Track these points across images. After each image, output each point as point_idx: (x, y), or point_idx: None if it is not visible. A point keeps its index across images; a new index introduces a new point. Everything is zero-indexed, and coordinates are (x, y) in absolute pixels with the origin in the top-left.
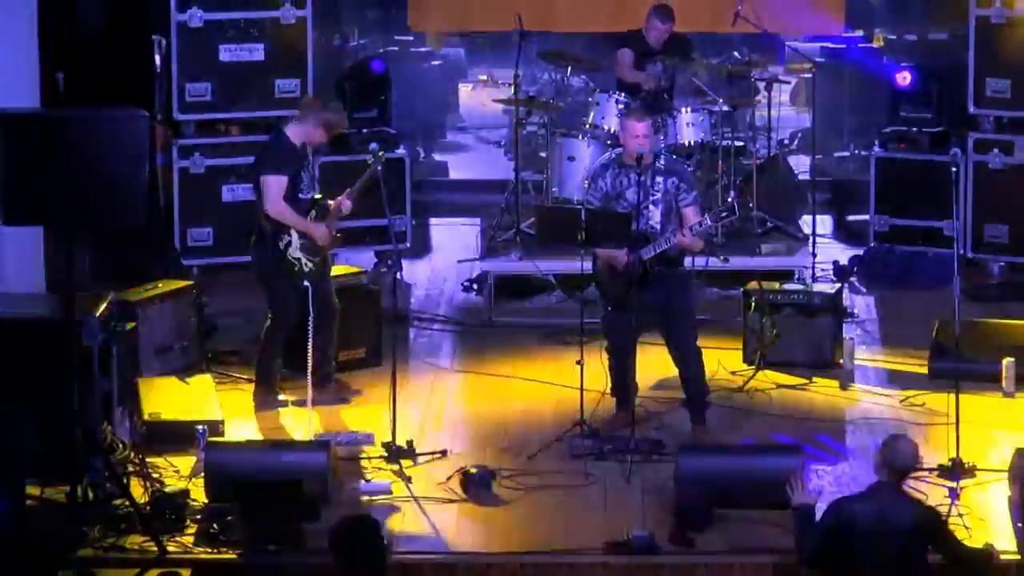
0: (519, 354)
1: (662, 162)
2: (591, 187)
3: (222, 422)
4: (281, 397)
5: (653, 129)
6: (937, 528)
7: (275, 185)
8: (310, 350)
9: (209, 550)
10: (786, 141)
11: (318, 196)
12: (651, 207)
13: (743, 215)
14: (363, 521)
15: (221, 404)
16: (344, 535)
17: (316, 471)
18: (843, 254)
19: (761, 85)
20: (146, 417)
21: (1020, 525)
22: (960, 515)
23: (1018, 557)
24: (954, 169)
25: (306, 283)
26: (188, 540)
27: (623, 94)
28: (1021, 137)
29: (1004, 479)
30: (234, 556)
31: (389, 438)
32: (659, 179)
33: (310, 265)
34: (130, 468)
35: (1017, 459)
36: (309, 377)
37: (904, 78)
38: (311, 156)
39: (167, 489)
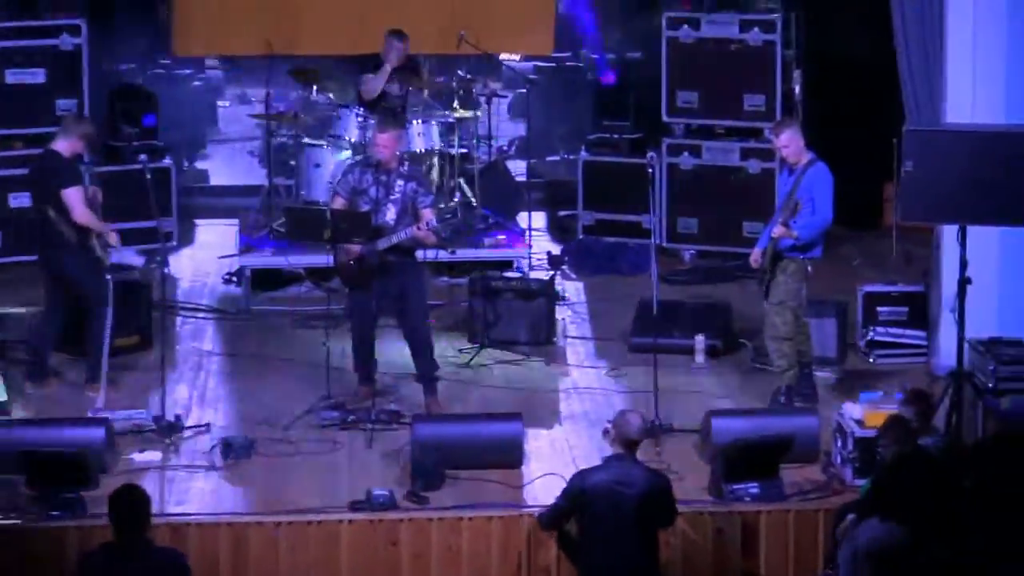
0: (274, 338)
1: (405, 168)
2: (342, 180)
3: (7, 401)
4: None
5: (396, 141)
6: (666, 492)
7: (77, 196)
8: (107, 338)
9: None
10: (505, 148)
11: None
12: (389, 205)
13: (468, 213)
14: (135, 488)
15: (8, 387)
16: (119, 501)
17: (95, 444)
18: (556, 246)
19: (482, 99)
20: None
21: (711, 467)
22: (667, 465)
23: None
24: (650, 170)
25: (108, 276)
26: None
27: (362, 108)
28: (707, 141)
29: (696, 436)
30: (19, 522)
31: (160, 414)
32: (400, 182)
33: (108, 261)
34: None
35: (706, 419)
36: (105, 362)
37: (608, 78)
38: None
39: None
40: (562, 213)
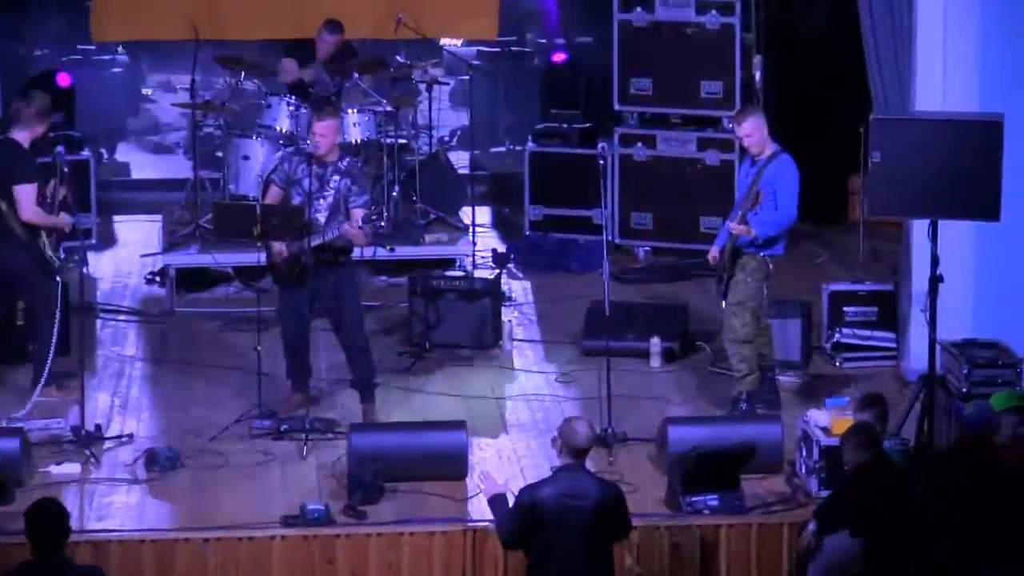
0: (201, 342)
1: (344, 163)
2: (278, 168)
3: None
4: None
5: (335, 130)
6: (619, 502)
7: (29, 193)
8: (53, 343)
9: None
10: (446, 138)
11: None
12: (322, 200)
13: (408, 208)
14: (52, 503)
15: None
16: (35, 516)
17: (9, 457)
18: (501, 243)
19: (422, 86)
20: None
21: (668, 478)
22: (621, 476)
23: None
24: (601, 162)
25: (58, 278)
26: None
27: (293, 97)
28: (662, 131)
29: (652, 445)
30: None
31: (79, 423)
32: (336, 177)
33: (58, 261)
34: None
35: (662, 427)
36: (47, 369)
37: (560, 57)
38: None
39: None
40: (507, 208)
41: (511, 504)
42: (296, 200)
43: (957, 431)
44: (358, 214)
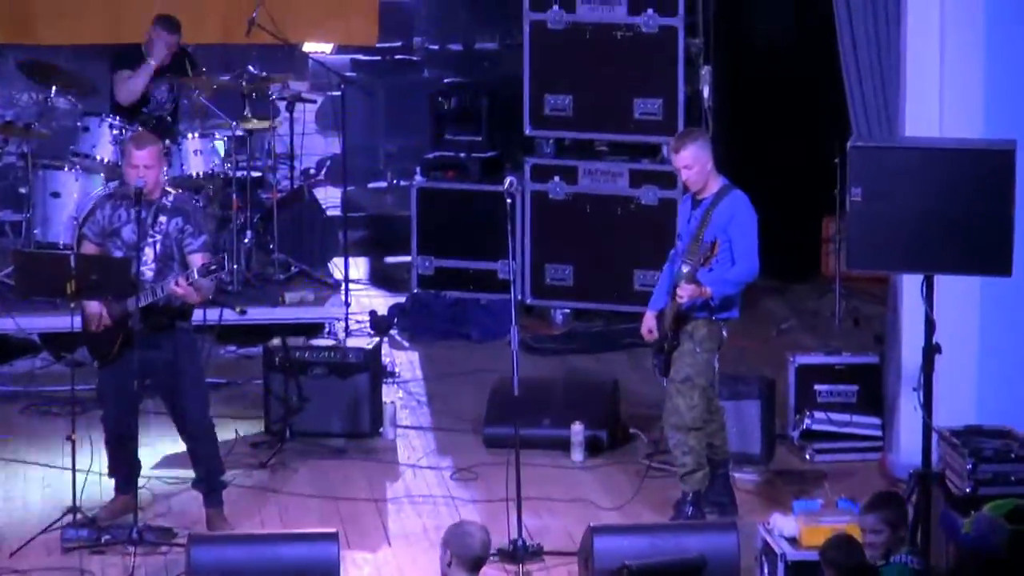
0: None
1: (170, 199)
2: (89, 219)
3: None
4: None
5: (159, 159)
6: None
7: None
8: None
9: None
10: (312, 171)
11: None
12: (148, 249)
13: (263, 259)
14: None
15: None
16: None
17: None
18: (382, 302)
19: (282, 105)
20: None
21: None
22: None
23: None
24: (509, 200)
25: None
26: None
27: (118, 118)
28: (585, 162)
29: (573, 561)
30: None
31: None
32: (162, 219)
33: None
34: None
35: (586, 537)
36: None
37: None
38: None
39: None
40: (390, 259)
41: None
42: (117, 255)
43: (954, 552)
44: (197, 260)
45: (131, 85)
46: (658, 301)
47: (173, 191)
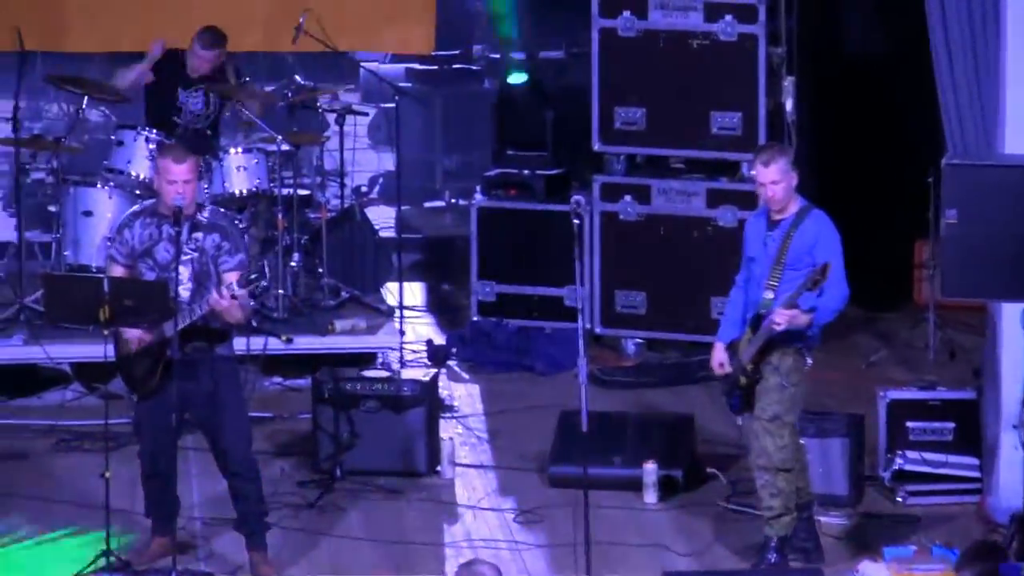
0: (25, 466)
1: (205, 215)
2: (117, 240)
3: None
4: None
5: (197, 173)
6: None
7: None
8: None
9: None
10: (364, 188)
11: None
12: (182, 268)
13: (311, 284)
14: None
15: None
16: None
17: None
18: (439, 332)
19: (331, 117)
20: None
21: None
22: None
23: None
24: (576, 221)
25: None
26: None
27: (155, 131)
28: (659, 181)
29: None
30: None
31: None
32: (197, 235)
33: None
34: None
35: None
36: None
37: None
38: None
39: None
40: (448, 285)
41: None
42: (149, 276)
43: None
44: (231, 278)
45: (120, 76)
46: (728, 332)
47: (208, 205)
